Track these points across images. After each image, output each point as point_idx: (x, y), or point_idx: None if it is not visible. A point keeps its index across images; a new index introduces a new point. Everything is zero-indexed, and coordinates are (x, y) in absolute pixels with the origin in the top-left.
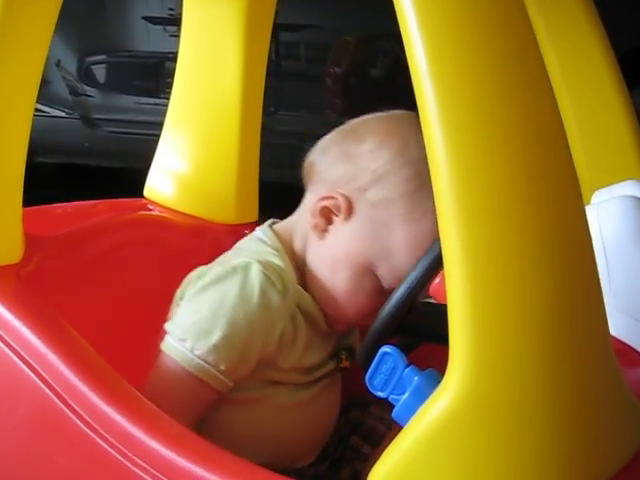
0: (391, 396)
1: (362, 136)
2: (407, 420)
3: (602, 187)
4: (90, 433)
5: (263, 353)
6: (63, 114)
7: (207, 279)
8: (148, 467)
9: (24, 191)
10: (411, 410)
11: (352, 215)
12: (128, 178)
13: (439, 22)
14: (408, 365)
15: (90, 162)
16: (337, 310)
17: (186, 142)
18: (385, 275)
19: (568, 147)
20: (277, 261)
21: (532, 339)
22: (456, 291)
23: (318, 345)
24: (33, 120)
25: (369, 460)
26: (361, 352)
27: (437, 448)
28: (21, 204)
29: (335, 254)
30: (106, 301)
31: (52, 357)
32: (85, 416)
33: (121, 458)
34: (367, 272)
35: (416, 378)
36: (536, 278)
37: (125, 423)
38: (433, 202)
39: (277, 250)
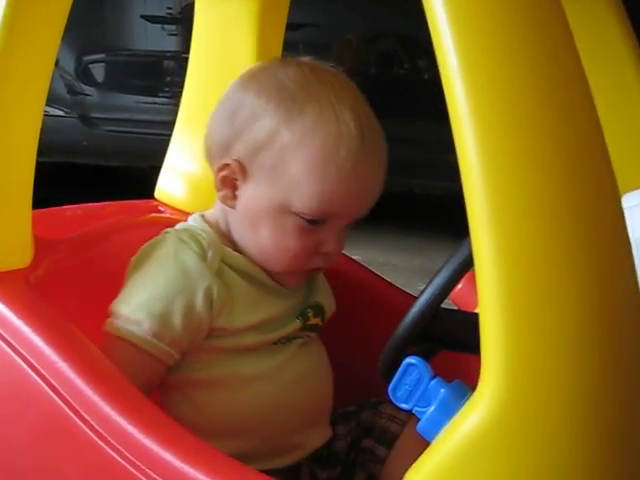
0: (415, 408)
1: (227, 99)
2: (433, 434)
3: (631, 190)
4: (101, 444)
5: (192, 315)
6: (62, 113)
7: (134, 259)
8: (160, 479)
9: None
10: (438, 424)
11: (247, 172)
12: (127, 177)
13: (471, 20)
14: (434, 377)
15: (89, 161)
16: (275, 263)
17: (198, 143)
18: (302, 209)
19: (605, 145)
20: (198, 230)
21: (569, 352)
22: (489, 302)
23: (267, 300)
24: None
25: (385, 462)
26: (383, 360)
27: (469, 465)
28: (30, 208)
29: (249, 214)
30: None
31: (62, 365)
32: (96, 426)
33: (134, 470)
34: (284, 214)
35: (442, 390)
36: (574, 287)
37: (138, 434)
38: (310, 116)
39: (201, 226)
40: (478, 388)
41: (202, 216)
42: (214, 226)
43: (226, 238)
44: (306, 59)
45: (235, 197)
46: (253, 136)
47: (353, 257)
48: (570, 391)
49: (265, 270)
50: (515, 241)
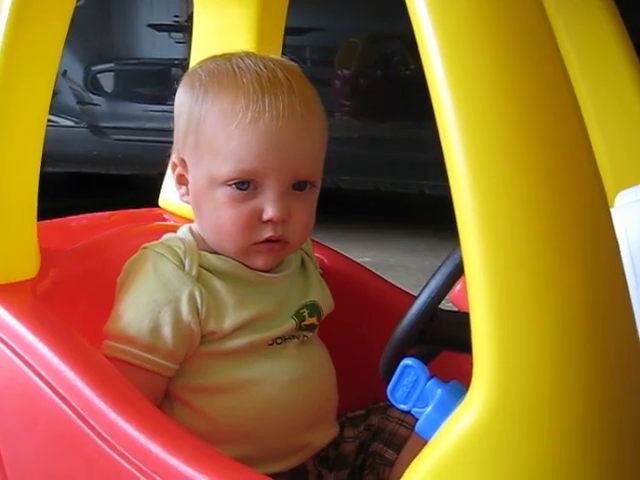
0: (414, 409)
1: None
2: (431, 434)
3: (626, 188)
4: (109, 451)
5: (181, 324)
6: (71, 123)
7: (119, 279)
8: None
9: None
10: (435, 424)
11: (186, 164)
12: (137, 185)
13: (455, 24)
14: (430, 377)
15: (99, 170)
16: (226, 242)
17: None
18: (222, 175)
19: (591, 150)
20: (175, 241)
21: (558, 352)
22: (479, 301)
23: (252, 297)
24: None
25: (394, 465)
26: (383, 362)
27: (463, 464)
28: (35, 219)
29: (194, 201)
30: None
31: (69, 374)
32: (104, 433)
33: (140, 475)
34: (213, 189)
35: (439, 391)
36: (563, 286)
37: (144, 440)
38: (212, 89)
39: (183, 235)
40: (471, 388)
41: (189, 226)
42: (195, 233)
43: (204, 242)
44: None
45: (189, 193)
46: (180, 128)
47: (364, 259)
48: (559, 391)
49: (240, 262)
50: (503, 245)
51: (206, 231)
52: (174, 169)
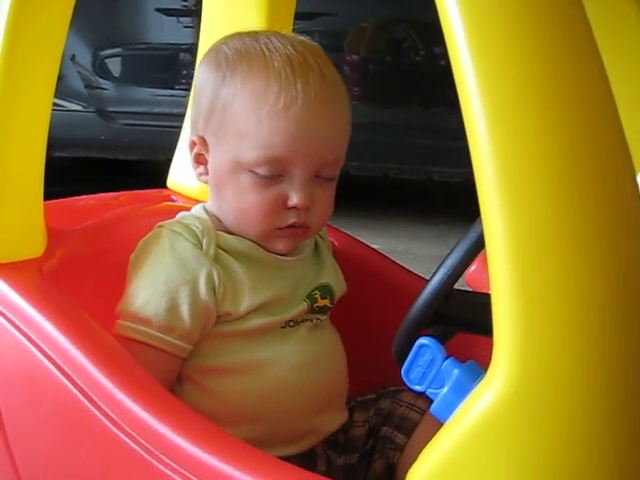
0: (429, 390)
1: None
2: (447, 416)
3: None
4: (116, 430)
5: (198, 303)
6: (79, 108)
7: (132, 256)
8: (175, 465)
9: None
10: (451, 405)
11: (207, 144)
12: (145, 170)
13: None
14: (447, 357)
15: (106, 155)
16: (248, 225)
17: None
18: (250, 161)
19: (621, 127)
20: (192, 219)
21: (585, 328)
22: (501, 280)
23: (268, 279)
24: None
25: (405, 450)
26: (396, 343)
27: (482, 446)
28: (42, 198)
29: (216, 183)
30: None
31: (76, 353)
32: (110, 413)
33: (147, 456)
34: (239, 173)
35: (456, 371)
36: (589, 262)
37: (151, 420)
38: (240, 70)
39: (198, 213)
40: (490, 368)
41: (203, 205)
42: (210, 212)
43: (220, 223)
44: (261, 31)
45: (207, 172)
46: (202, 108)
47: (373, 246)
48: (583, 370)
49: (258, 244)
50: (527, 218)
51: (226, 213)
52: (192, 147)
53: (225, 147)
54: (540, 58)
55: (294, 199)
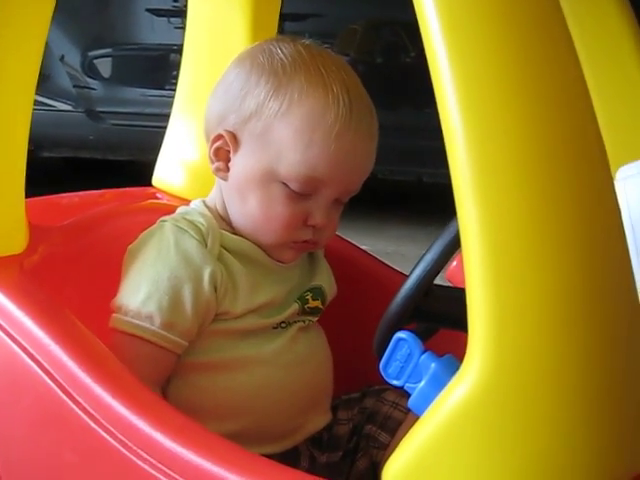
0: (407, 384)
1: (223, 76)
2: (424, 409)
3: (627, 163)
4: (94, 426)
5: (200, 301)
6: (68, 108)
7: (132, 248)
8: (153, 460)
9: (31, 186)
10: (428, 398)
11: (238, 142)
12: (134, 170)
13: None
14: (424, 351)
15: (95, 155)
16: (265, 233)
17: (193, 129)
18: (288, 175)
19: (595, 120)
20: (196, 216)
21: (557, 320)
22: (474, 270)
23: (266, 283)
24: (39, 115)
25: (388, 448)
26: (377, 338)
27: (456, 437)
28: (23, 194)
29: (239, 184)
30: (112, 290)
31: (55, 348)
32: (89, 409)
33: (125, 451)
34: (271, 182)
35: (433, 365)
36: (561, 257)
37: (130, 416)
38: (298, 84)
39: (201, 210)
40: (465, 360)
41: (203, 201)
42: (213, 209)
43: (224, 220)
44: (304, 40)
45: (227, 169)
46: (244, 107)
47: (362, 247)
48: (556, 361)
49: (262, 248)
50: (500, 211)
51: (242, 215)
52: (216, 140)
53: (262, 154)
54: (516, 57)
55: (317, 219)
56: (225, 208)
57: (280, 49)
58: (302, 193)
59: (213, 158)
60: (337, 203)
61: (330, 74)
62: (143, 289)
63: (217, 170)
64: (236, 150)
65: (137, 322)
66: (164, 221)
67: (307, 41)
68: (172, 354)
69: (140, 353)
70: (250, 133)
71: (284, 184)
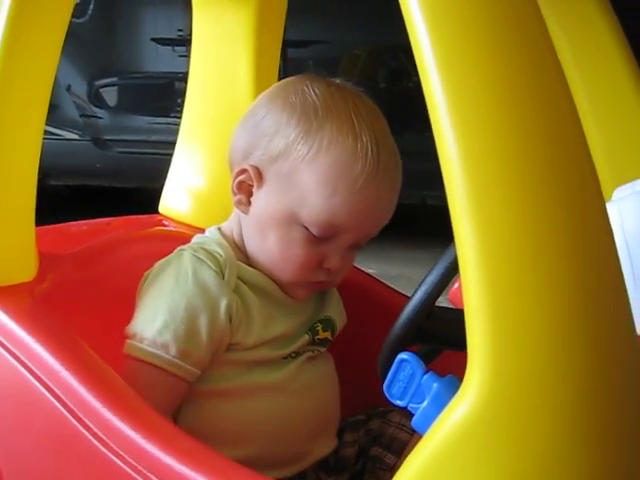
0: (410, 404)
1: (253, 109)
2: (426, 429)
3: (623, 183)
4: (105, 450)
5: (215, 332)
6: (75, 136)
7: (149, 275)
8: None
9: (38, 215)
10: (431, 418)
11: (263, 179)
12: (141, 198)
13: (448, 23)
14: (427, 372)
15: (102, 183)
16: (281, 271)
17: (200, 157)
18: (309, 220)
19: (585, 142)
20: (214, 246)
21: (554, 340)
22: (472, 290)
23: (280, 316)
24: (46, 144)
25: (394, 470)
26: (380, 360)
27: (457, 456)
28: (34, 222)
29: (260, 220)
30: (122, 317)
31: (65, 374)
32: (99, 433)
33: (136, 475)
34: (292, 224)
35: (435, 385)
36: (557, 278)
37: (140, 439)
38: (329, 131)
39: (217, 240)
40: (465, 379)
41: (219, 229)
42: (229, 238)
43: (240, 250)
44: (336, 80)
45: (249, 203)
46: (273, 145)
47: (368, 271)
48: (554, 379)
49: (276, 283)
50: (496, 232)
51: (261, 252)
52: (240, 173)
53: (285, 195)
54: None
55: (332, 262)
56: (242, 239)
57: (313, 90)
58: (321, 237)
59: (236, 190)
60: (354, 246)
61: (361, 122)
62: (159, 317)
63: (239, 203)
64: (260, 186)
65: (153, 350)
66: (183, 250)
67: (339, 81)
68: (185, 383)
69: (154, 381)
70: (276, 172)
71: (304, 227)
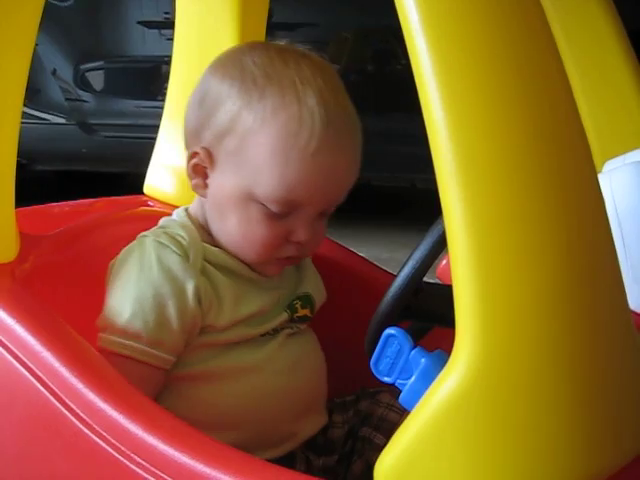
0: (398, 381)
1: (197, 86)
2: (414, 405)
3: (613, 157)
4: (87, 431)
5: (186, 316)
6: (61, 121)
7: (114, 264)
8: (147, 464)
9: (24, 200)
10: (419, 394)
11: (214, 160)
12: (128, 183)
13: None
14: (414, 347)
15: (89, 168)
16: (246, 252)
17: (183, 137)
18: (265, 197)
19: (577, 113)
20: (177, 229)
21: (543, 313)
22: (460, 263)
23: (252, 294)
24: (31, 128)
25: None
26: (367, 337)
27: (445, 431)
28: (13, 202)
29: (218, 202)
30: (103, 298)
31: (47, 355)
32: (82, 414)
33: (119, 456)
34: (249, 203)
35: (423, 360)
36: (547, 250)
37: (122, 420)
38: (270, 99)
39: (182, 222)
40: (453, 352)
41: (186, 209)
42: (195, 219)
43: (205, 231)
44: (280, 43)
45: (206, 186)
46: (218, 122)
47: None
48: (543, 351)
49: (244, 262)
50: (485, 204)
51: (224, 234)
52: (192, 157)
53: (238, 174)
54: (498, 54)
55: (300, 236)
56: (205, 218)
57: (251, 58)
58: (281, 213)
59: (192, 174)
60: (321, 215)
61: (305, 85)
62: (128, 308)
63: (196, 187)
64: (213, 168)
65: (124, 341)
66: (144, 236)
67: (282, 43)
68: (161, 370)
69: (129, 371)
70: (225, 151)
71: (262, 205)
